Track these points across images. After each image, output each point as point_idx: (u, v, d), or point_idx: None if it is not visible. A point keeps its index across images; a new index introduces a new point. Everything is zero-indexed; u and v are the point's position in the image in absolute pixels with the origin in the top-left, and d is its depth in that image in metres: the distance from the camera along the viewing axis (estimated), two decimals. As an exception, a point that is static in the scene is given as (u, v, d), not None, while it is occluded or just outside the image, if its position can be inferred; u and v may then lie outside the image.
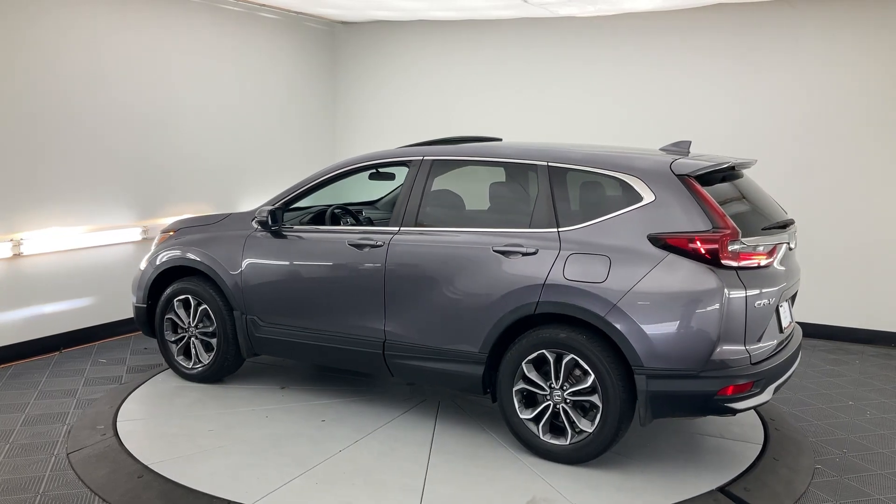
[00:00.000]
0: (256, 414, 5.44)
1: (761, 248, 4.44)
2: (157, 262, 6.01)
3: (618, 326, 4.35)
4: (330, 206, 6.08)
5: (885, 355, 7.26)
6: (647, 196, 4.48)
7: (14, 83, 6.26)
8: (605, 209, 4.60)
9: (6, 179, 6.26)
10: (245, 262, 5.68)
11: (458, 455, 4.79)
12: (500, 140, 5.92)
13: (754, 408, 4.58)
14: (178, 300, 5.94)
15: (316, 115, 9.67)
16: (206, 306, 5.84)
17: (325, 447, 4.88)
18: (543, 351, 4.60)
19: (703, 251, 4.26)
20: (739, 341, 4.30)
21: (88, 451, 4.75)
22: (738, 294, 4.26)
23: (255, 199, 8.67)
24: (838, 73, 7.46)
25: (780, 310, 4.64)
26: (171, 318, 6.01)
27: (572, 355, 4.49)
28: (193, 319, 5.93)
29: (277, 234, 5.62)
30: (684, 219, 4.35)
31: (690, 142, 5.15)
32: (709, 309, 4.22)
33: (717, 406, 4.29)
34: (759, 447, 4.98)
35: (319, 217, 5.92)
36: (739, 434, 5.19)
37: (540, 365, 4.65)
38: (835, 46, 7.46)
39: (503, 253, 4.74)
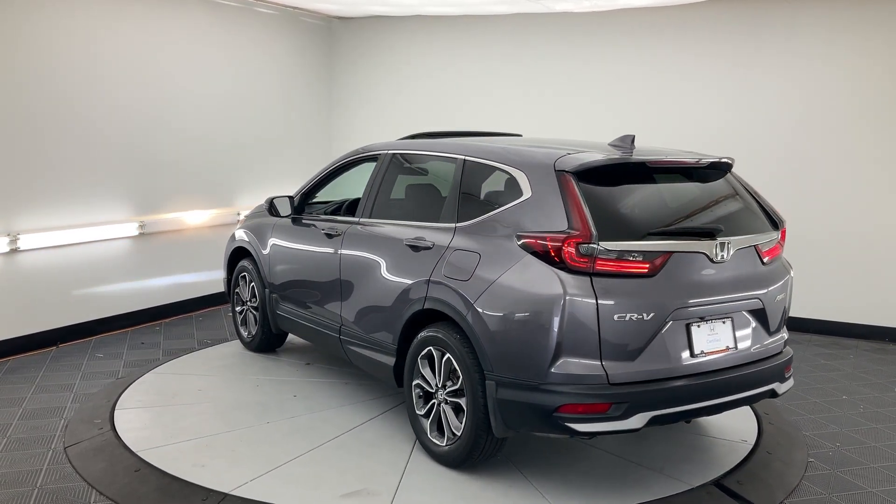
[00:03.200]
0: (253, 382, 5.96)
1: (633, 256, 3.95)
2: (230, 243, 6.88)
3: (474, 327, 4.18)
4: (350, 197, 6.27)
5: (879, 350, 7.30)
6: (527, 192, 4.24)
7: (11, 79, 6.25)
8: (495, 204, 4.42)
9: (3, 175, 6.26)
10: (269, 245, 6.27)
11: (363, 443, 4.86)
12: (521, 136, 5.94)
13: (610, 433, 3.95)
14: (241, 276, 6.70)
15: (312, 109, 9.67)
16: (254, 283, 6.52)
17: (261, 417, 5.26)
18: (431, 348, 4.52)
19: (552, 253, 3.95)
20: (592, 356, 3.87)
21: (86, 444, 4.77)
22: (586, 303, 3.84)
23: (252, 193, 8.69)
24: (835, 69, 7.48)
25: (693, 330, 4.08)
26: (237, 292, 6.80)
27: (448, 355, 4.38)
28: (247, 294, 6.61)
29: (295, 222, 6.06)
30: (549, 217, 4.05)
31: (634, 136, 4.68)
32: (547, 316, 3.89)
33: (558, 424, 3.89)
34: (753, 441, 5.00)
35: (339, 208, 6.19)
36: (733, 428, 5.20)
37: (433, 362, 4.56)
38: (832, 42, 7.47)
39: (412, 247, 4.80)
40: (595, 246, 3.89)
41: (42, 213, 6.57)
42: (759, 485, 4.44)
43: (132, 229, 7.35)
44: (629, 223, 4.14)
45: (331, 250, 5.53)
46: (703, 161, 4.51)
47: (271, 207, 6.03)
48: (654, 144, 5.37)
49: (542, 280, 3.96)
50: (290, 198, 6.04)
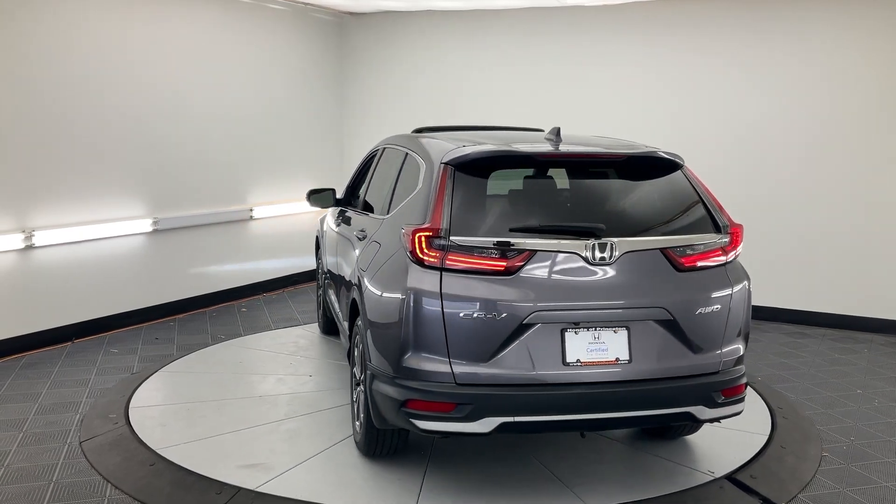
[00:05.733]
0: (290, 360, 6.41)
1: (489, 252, 3.77)
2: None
3: (362, 317, 4.26)
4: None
5: (894, 344, 7.24)
6: (420, 184, 4.21)
7: (25, 78, 6.29)
8: (406, 197, 4.41)
9: (18, 172, 6.31)
10: (324, 234, 6.60)
11: (317, 424, 5.06)
12: (542, 130, 5.88)
13: (455, 435, 3.83)
14: (318, 262, 7.00)
15: (324, 105, 9.68)
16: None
17: (259, 390, 5.69)
18: (358, 336, 4.54)
19: (409, 246, 3.87)
20: (440, 353, 3.74)
21: (101, 439, 4.81)
22: (431, 298, 3.74)
23: (265, 190, 8.72)
24: (846, 61, 7.41)
25: (568, 336, 3.78)
26: (318, 278, 7.12)
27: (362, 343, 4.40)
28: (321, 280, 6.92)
29: (341, 213, 6.19)
30: (423, 210, 3.97)
31: (559, 127, 4.54)
32: (397, 309, 3.84)
33: (405, 419, 3.81)
34: (766, 435, 4.99)
35: None
36: (746, 422, 5.14)
37: None
38: (841, 37, 7.41)
39: (357, 237, 5.02)
40: (444, 240, 3.78)
41: (57, 209, 6.61)
42: (773, 479, 4.42)
43: (146, 226, 7.39)
44: (496, 218, 3.95)
45: (336, 239, 5.85)
46: (609, 156, 4.27)
47: (308, 198, 6.17)
48: (612, 137, 5.25)
49: (400, 273, 3.91)
50: (332, 190, 6.16)
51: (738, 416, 5.07)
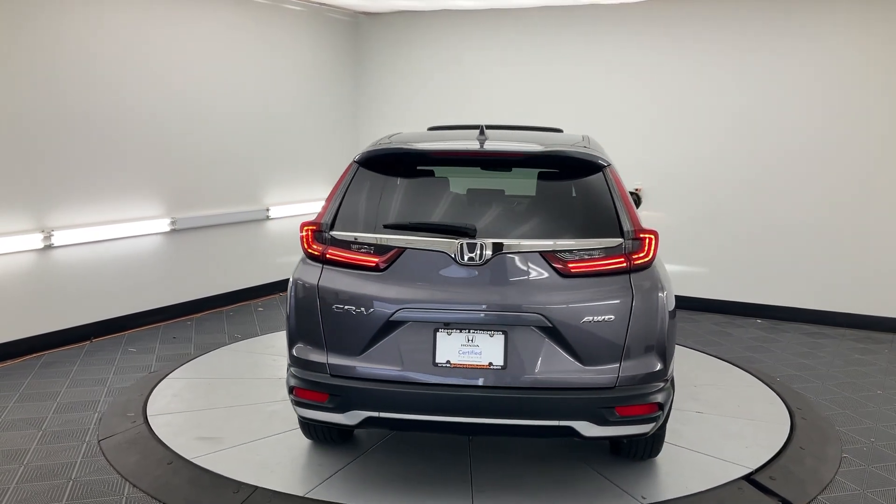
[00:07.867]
0: None
1: (363, 248, 3.88)
2: None
3: None
4: None
5: (915, 344, 7.18)
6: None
7: (44, 78, 6.34)
8: None
9: (36, 172, 6.36)
10: None
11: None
12: (561, 131, 5.84)
13: (326, 424, 4.00)
14: None
15: (339, 105, 9.70)
16: None
17: (278, 372, 5.90)
18: None
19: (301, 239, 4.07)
20: (318, 345, 3.86)
21: (119, 437, 4.84)
22: (309, 290, 3.88)
23: (281, 188, 8.74)
24: (857, 58, 7.36)
25: (439, 336, 3.74)
26: None
27: None
28: None
29: None
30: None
31: (483, 125, 4.46)
32: (288, 300, 4.00)
33: (294, 405, 3.99)
34: (786, 436, 4.94)
35: None
36: (765, 423, 5.14)
37: None
38: (858, 34, 7.35)
39: None
40: (327, 234, 3.95)
41: (75, 209, 6.66)
42: (792, 480, 4.38)
43: (164, 225, 7.43)
44: (376, 215, 4.03)
45: None
46: (508, 154, 4.18)
47: None
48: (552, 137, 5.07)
49: (296, 265, 4.10)
50: None
51: (757, 418, 5.08)
